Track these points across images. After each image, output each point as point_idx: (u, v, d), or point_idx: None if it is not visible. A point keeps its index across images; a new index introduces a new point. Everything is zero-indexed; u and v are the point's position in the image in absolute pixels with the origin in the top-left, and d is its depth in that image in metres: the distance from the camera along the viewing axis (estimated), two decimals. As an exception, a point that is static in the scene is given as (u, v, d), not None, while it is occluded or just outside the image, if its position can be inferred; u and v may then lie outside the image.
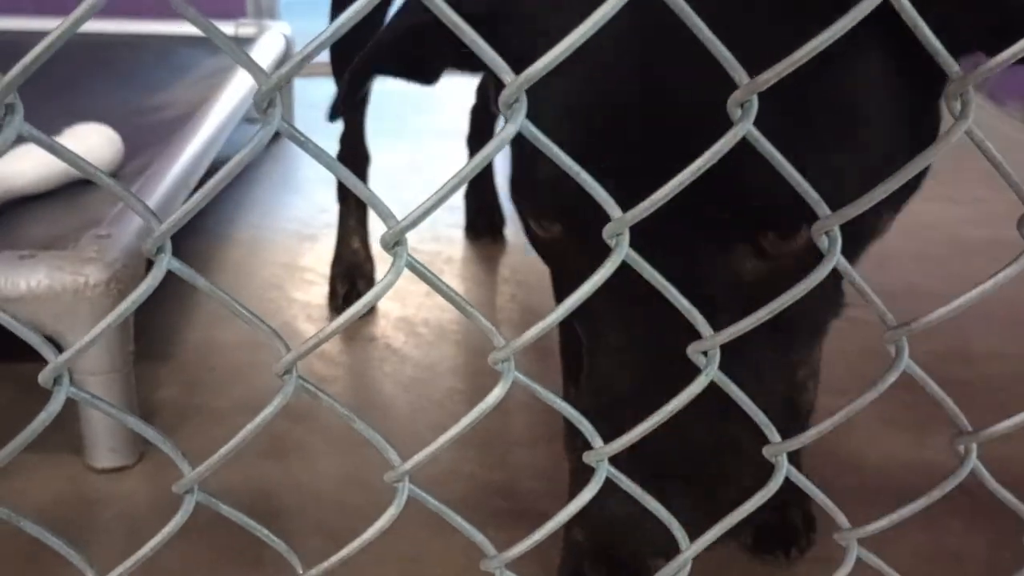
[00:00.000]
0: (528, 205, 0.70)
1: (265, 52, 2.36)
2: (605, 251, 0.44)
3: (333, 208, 1.91)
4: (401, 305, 1.80)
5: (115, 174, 1.58)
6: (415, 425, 1.52)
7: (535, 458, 1.43)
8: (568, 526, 1.26)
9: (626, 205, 0.43)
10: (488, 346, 0.44)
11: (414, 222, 0.39)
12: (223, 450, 0.44)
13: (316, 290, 1.87)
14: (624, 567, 1.18)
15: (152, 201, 1.52)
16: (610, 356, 0.64)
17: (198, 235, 2.06)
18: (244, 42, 2.38)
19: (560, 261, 0.72)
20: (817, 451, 1.40)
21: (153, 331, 1.66)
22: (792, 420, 0.73)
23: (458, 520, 0.51)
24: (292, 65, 0.37)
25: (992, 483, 0.56)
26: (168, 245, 0.41)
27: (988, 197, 2.29)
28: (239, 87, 2.04)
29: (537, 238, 0.69)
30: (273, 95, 0.37)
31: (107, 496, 1.34)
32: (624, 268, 0.50)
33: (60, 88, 2.00)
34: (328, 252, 1.90)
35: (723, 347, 0.49)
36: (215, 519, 1.28)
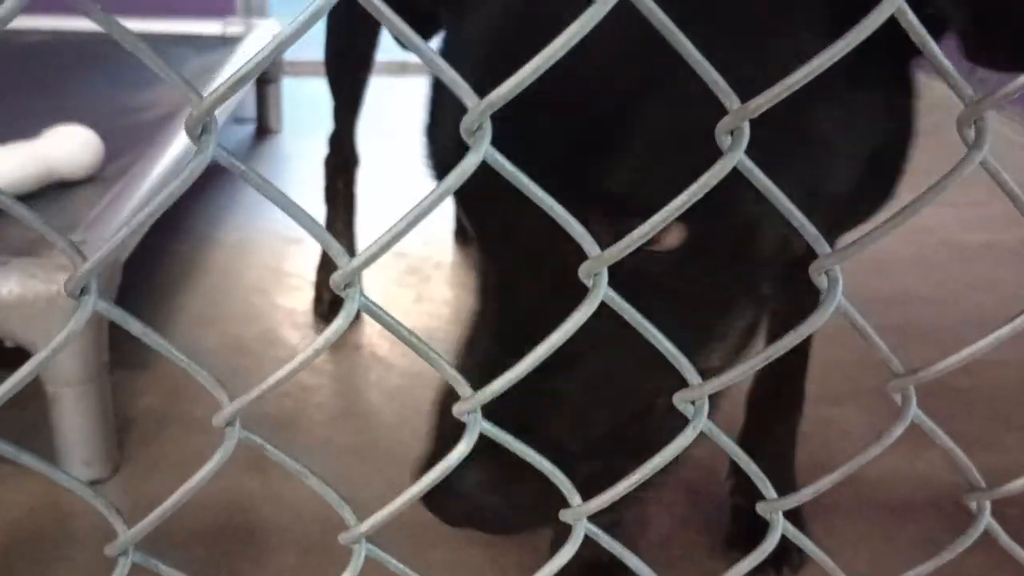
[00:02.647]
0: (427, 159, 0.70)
1: (253, 51, 2.31)
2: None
3: (321, 210, 1.87)
4: (387, 312, 1.76)
5: (94, 176, 1.54)
6: (401, 434, 1.48)
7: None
8: (551, 544, 1.22)
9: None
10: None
11: (366, 262, 0.35)
12: (156, 512, 0.40)
13: (301, 296, 1.83)
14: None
15: (132, 204, 1.48)
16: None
17: (181, 238, 2.01)
18: (232, 41, 2.34)
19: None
20: (811, 465, 1.37)
21: (132, 338, 1.61)
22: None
23: (421, 580, 0.47)
24: (226, 88, 0.33)
25: (1007, 540, 0.52)
26: (93, 285, 0.37)
27: (986, 200, 2.25)
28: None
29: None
30: (207, 120, 0.33)
31: (81, 508, 1.31)
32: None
33: (41, 87, 1.96)
34: (314, 256, 1.85)
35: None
36: (190, 535, 1.25)
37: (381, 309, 0.38)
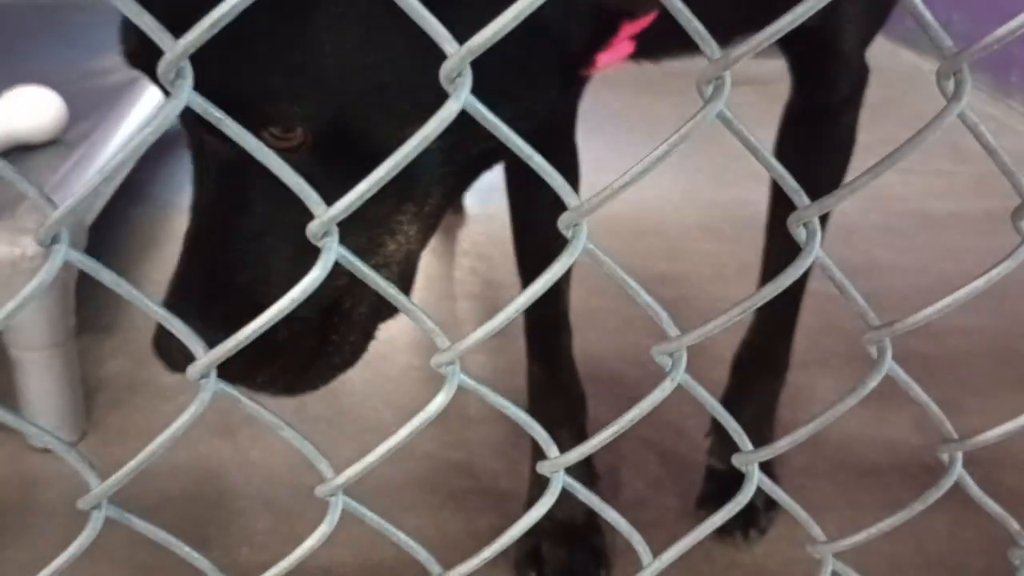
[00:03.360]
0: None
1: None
2: None
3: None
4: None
5: (58, 139, 1.51)
6: (371, 401, 1.48)
7: (494, 435, 1.39)
8: (525, 505, 1.23)
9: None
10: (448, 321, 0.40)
11: (344, 209, 0.35)
12: (131, 464, 0.40)
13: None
14: (582, 547, 1.16)
15: (96, 168, 1.46)
16: None
17: (144, 203, 1.99)
18: None
19: None
20: (777, 430, 1.39)
21: (99, 301, 1.60)
22: None
23: (400, 536, 0.47)
24: (200, 31, 0.32)
25: (977, 492, 0.53)
26: (64, 234, 0.36)
27: (952, 169, 2.26)
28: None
29: None
30: (181, 64, 0.32)
31: (48, 476, 1.29)
32: None
33: (2, 49, 1.92)
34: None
35: None
36: (161, 500, 1.24)
37: (356, 256, 0.38)
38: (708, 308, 1.67)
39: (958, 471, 0.51)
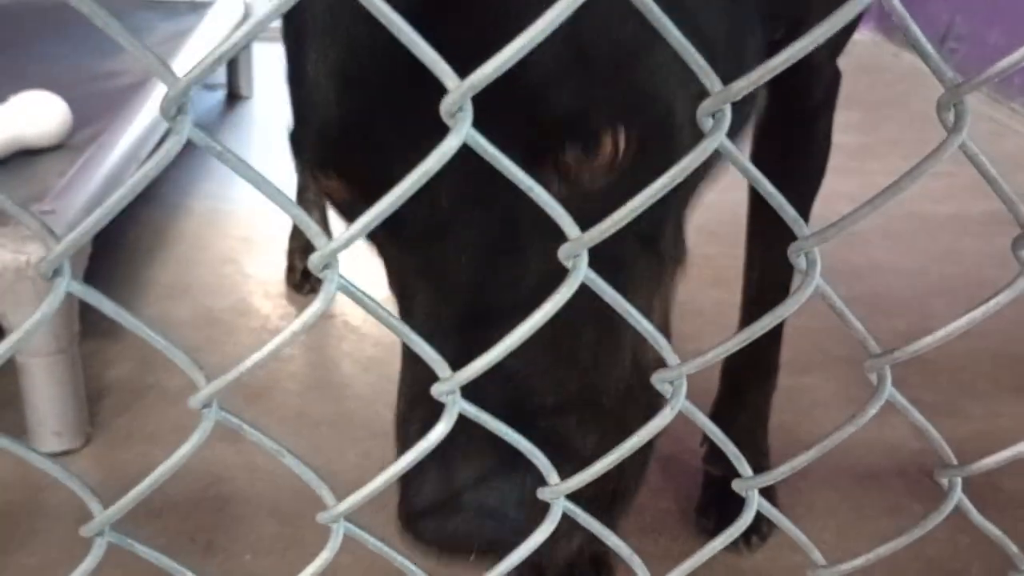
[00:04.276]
0: (306, 155, 0.62)
1: (222, 18, 2.28)
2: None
3: (293, 178, 1.85)
4: (361, 279, 1.75)
5: (63, 144, 1.51)
6: (375, 405, 1.48)
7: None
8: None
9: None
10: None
11: (344, 244, 0.35)
12: (132, 493, 0.40)
13: (274, 265, 1.82)
14: (583, 555, 1.16)
15: (102, 173, 1.46)
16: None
17: (152, 205, 1.99)
18: (200, 6, 2.30)
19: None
20: (781, 433, 1.39)
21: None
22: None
23: (401, 560, 0.47)
24: (202, 68, 0.32)
25: (977, 517, 0.53)
26: (66, 267, 0.36)
27: (952, 171, 2.25)
28: (196, 52, 1.97)
29: (330, 199, 0.62)
30: (183, 100, 0.33)
31: (54, 481, 1.29)
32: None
33: (8, 53, 1.92)
34: (287, 224, 1.84)
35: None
36: (165, 506, 1.24)
37: (360, 291, 0.38)
38: (710, 311, 1.67)
39: (958, 496, 0.51)
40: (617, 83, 0.53)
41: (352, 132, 0.55)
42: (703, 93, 0.36)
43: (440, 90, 0.34)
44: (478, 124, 0.35)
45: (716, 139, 0.36)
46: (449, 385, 0.38)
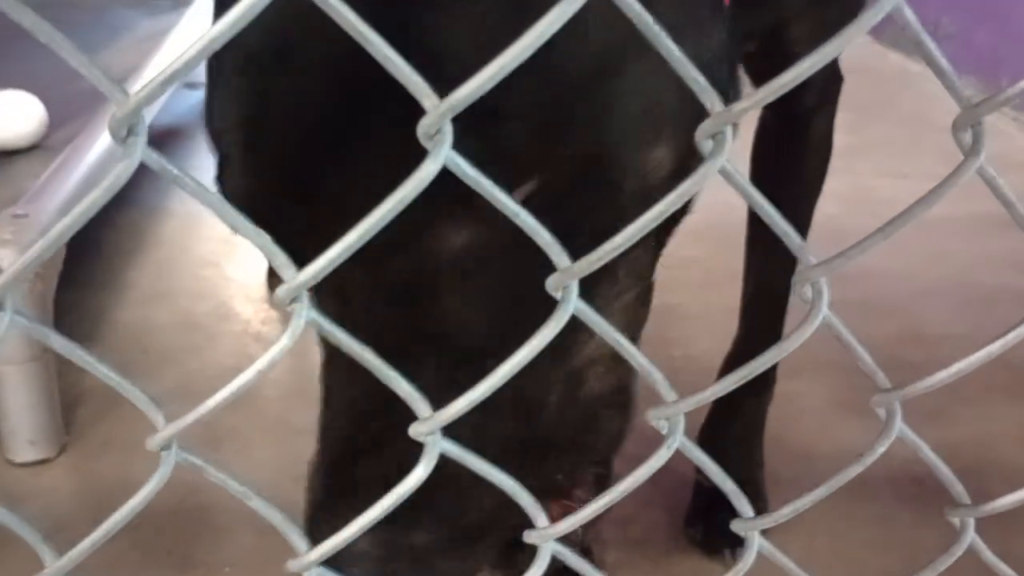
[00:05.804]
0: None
1: (201, 17, 2.24)
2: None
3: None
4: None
5: (38, 145, 1.48)
6: (357, 413, 1.45)
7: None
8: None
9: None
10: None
11: (314, 276, 0.32)
12: (84, 543, 0.37)
13: (255, 267, 1.79)
14: None
15: (78, 175, 1.43)
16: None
17: (131, 208, 1.96)
18: (182, 3, 2.27)
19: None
20: (768, 439, 1.36)
21: (81, 312, 1.57)
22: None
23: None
24: (153, 88, 0.29)
25: (991, 557, 0.50)
26: (8, 302, 0.33)
27: (944, 173, 2.23)
28: (175, 50, 1.93)
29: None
30: (134, 120, 0.30)
31: (28, 491, 1.27)
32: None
33: (-19, 51, 1.89)
34: (269, 227, 1.81)
35: None
36: (139, 518, 1.21)
37: (332, 323, 0.35)
38: (700, 314, 1.65)
39: (970, 537, 0.49)
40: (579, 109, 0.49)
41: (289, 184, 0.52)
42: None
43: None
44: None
45: (717, 162, 0.33)
46: (429, 425, 0.36)
